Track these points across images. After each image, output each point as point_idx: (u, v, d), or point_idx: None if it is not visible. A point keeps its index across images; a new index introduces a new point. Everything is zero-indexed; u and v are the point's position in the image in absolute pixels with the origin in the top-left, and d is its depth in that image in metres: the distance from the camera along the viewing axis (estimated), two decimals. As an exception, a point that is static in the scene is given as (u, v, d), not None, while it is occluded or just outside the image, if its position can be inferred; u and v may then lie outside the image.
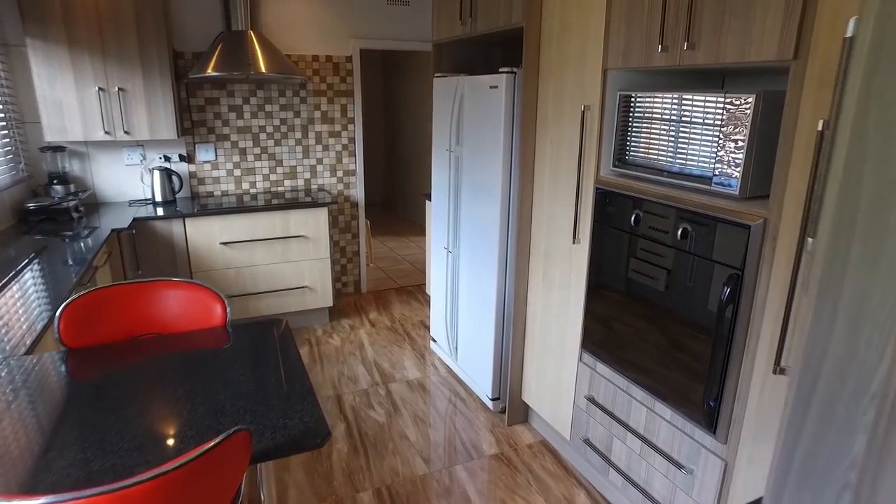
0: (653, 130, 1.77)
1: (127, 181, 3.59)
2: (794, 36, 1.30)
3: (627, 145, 1.88)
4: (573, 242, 2.17)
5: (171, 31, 3.46)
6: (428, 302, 4.27)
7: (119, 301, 1.68)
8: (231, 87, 3.70)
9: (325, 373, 3.21)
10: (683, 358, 1.71)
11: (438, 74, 3.00)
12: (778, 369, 1.40)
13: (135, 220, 3.12)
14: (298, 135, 3.94)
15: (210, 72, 3.26)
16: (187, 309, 1.70)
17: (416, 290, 4.55)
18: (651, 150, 1.78)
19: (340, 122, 4.02)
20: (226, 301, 1.71)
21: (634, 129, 1.84)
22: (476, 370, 2.89)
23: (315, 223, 3.58)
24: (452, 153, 2.86)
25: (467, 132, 2.69)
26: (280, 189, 3.99)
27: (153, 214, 3.20)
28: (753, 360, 1.50)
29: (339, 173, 4.12)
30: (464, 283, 2.92)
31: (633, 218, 1.86)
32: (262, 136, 3.85)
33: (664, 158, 1.74)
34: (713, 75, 2.02)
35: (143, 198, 3.64)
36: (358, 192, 4.21)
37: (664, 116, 1.72)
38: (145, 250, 3.21)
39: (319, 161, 4.04)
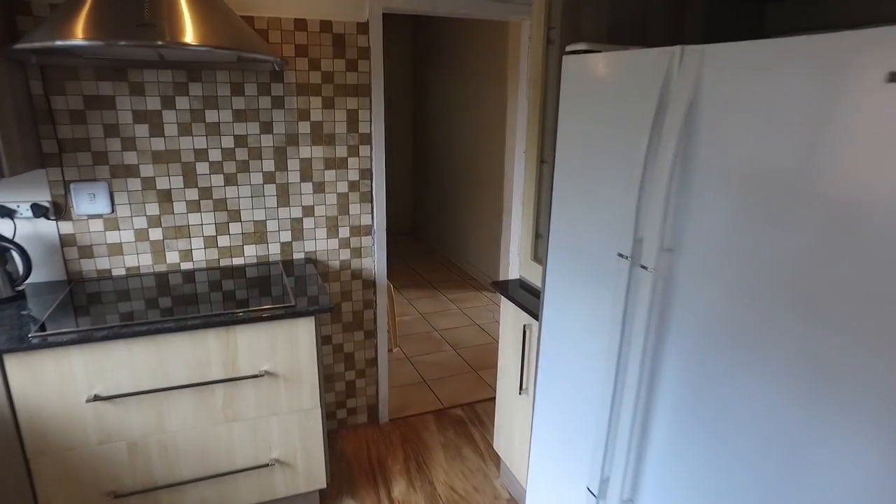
0: None
1: (-71, 257, 1.85)
2: None
3: None
4: None
5: (0, -40, 1.70)
6: (493, 458, 2.47)
7: None
8: (136, 77, 1.93)
9: None
10: None
11: (578, 48, 1.20)
12: None
13: None
14: (269, 165, 2.17)
15: (74, 38, 1.49)
16: None
17: (468, 419, 2.76)
18: None
19: (346, 140, 2.24)
20: None
21: None
22: None
23: (290, 347, 1.81)
24: (646, 270, 1.03)
25: (713, 215, 0.88)
26: (238, 262, 2.22)
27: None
28: None
29: (344, 232, 2.34)
30: None
31: None
32: (203, 167, 2.08)
33: None
34: None
35: (-34, 287, 1.90)
36: (375, 261, 2.42)
37: None
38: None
39: (308, 211, 2.27)
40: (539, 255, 2.01)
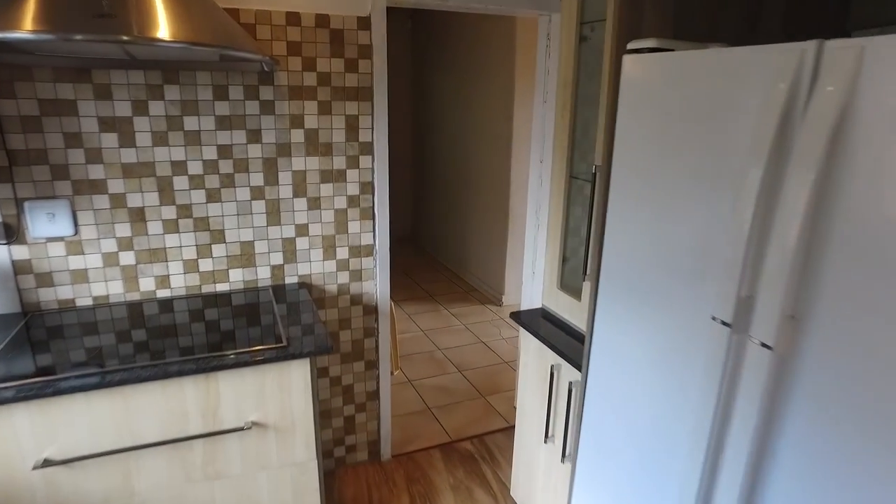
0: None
1: None
2: None
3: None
4: None
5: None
6: (508, 503, 2.22)
7: None
8: (102, 78, 1.67)
9: None
10: None
11: (643, 46, 0.95)
12: None
13: None
14: (257, 178, 1.90)
15: (19, 31, 1.22)
16: None
17: (479, 455, 2.50)
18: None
19: (345, 150, 1.98)
20: None
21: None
22: None
23: (281, 393, 1.56)
24: (755, 343, 0.78)
25: (868, 273, 0.63)
26: (222, 288, 1.96)
27: None
28: None
29: (342, 252, 2.08)
30: None
31: None
32: (181, 181, 1.82)
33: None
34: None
35: None
36: (378, 284, 2.17)
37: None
38: None
39: (302, 230, 2.01)
40: (566, 282, 1.76)
